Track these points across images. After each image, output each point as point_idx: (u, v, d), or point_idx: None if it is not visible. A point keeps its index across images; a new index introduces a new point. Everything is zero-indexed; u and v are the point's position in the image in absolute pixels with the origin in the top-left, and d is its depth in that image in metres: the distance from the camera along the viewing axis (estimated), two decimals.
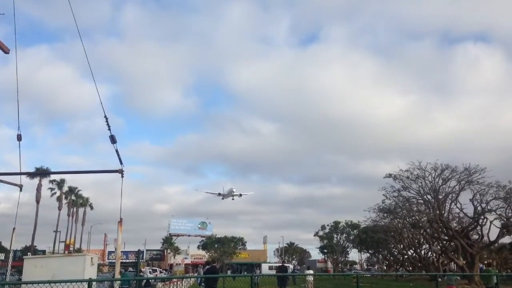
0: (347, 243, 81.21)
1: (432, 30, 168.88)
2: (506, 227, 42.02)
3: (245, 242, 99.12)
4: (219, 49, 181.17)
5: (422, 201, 45.75)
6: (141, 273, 31.17)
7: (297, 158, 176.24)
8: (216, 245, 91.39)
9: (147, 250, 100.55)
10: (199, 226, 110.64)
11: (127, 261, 75.68)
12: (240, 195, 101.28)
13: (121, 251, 15.34)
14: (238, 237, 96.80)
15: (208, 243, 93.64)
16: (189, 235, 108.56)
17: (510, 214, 41.66)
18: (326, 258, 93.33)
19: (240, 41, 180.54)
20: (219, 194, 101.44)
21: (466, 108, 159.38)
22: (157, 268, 76.61)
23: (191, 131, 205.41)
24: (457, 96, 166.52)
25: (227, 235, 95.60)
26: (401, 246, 57.92)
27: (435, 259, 50.81)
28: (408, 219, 51.63)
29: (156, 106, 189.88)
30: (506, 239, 57.87)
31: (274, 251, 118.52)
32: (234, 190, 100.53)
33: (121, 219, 13.78)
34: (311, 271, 38.70)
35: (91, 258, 15.18)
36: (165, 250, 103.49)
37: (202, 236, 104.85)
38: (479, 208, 42.09)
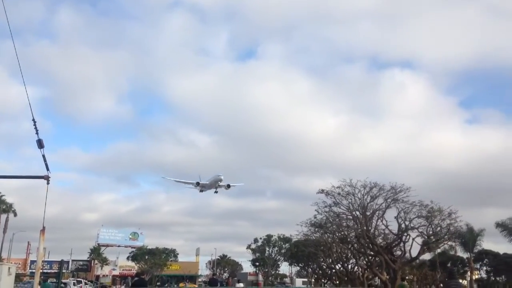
0: (279, 257, 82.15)
1: (362, 54, 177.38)
2: (426, 244, 44.54)
3: (177, 254, 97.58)
4: (157, 58, 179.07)
5: (351, 217, 47.41)
6: (63, 285, 29.81)
7: (232, 171, 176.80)
8: (146, 257, 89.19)
9: (73, 260, 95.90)
10: (130, 236, 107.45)
11: (50, 271, 72.03)
12: (228, 186, 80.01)
13: (45, 261, 14.65)
14: (170, 248, 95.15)
15: (139, 254, 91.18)
16: (119, 246, 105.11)
17: (430, 232, 44.24)
18: (257, 271, 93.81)
19: (178, 51, 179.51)
20: (198, 183, 79.76)
21: (392, 131, 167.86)
22: (82, 280, 73.29)
23: (124, 139, 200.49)
24: (384, 118, 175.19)
25: (158, 246, 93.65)
26: (330, 260, 59.54)
27: (361, 274, 52.69)
28: (337, 234, 53.19)
29: (88, 112, 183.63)
30: (426, 256, 61.46)
31: (206, 263, 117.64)
32: (221, 177, 77.53)
33: (43, 227, 13.22)
34: (241, 285, 38.70)
35: (9, 267, 14.39)
36: (92, 261, 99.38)
37: (132, 247, 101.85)
38: (403, 225, 44.34)
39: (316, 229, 54.33)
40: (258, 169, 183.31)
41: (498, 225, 67.20)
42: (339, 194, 46.09)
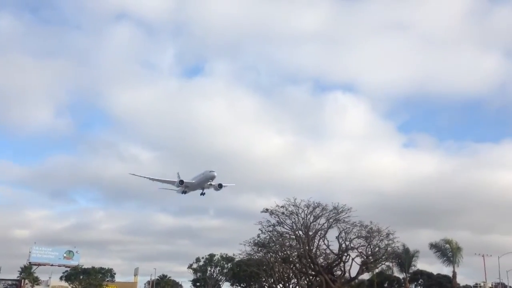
0: (221, 277, 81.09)
1: (308, 76, 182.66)
2: (365, 264, 45.73)
3: (114, 273, 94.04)
4: (99, 70, 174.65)
5: (294, 237, 47.92)
6: None
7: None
8: (81, 276, 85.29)
9: (1, 279, 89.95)
10: (65, 255, 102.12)
11: None
12: (220, 186, 69.70)
13: None
14: (107, 268, 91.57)
15: (73, 274, 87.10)
16: (52, 265, 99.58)
17: (369, 252, 45.53)
18: None
19: (122, 64, 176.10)
20: (181, 182, 68.68)
21: (335, 152, 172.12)
22: None
23: (61, 152, 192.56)
24: (328, 139, 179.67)
25: (94, 266, 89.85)
26: (272, 280, 59.48)
27: None
28: (280, 254, 53.44)
29: (23, 123, 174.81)
30: (365, 276, 62.97)
31: (145, 284, 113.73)
32: (214, 174, 66.73)
33: None
34: None
35: None
36: (22, 280, 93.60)
37: (67, 266, 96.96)
38: (343, 245, 45.40)
39: (259, 249, 54.35)
40: None
41: (431, 246, 70.43)
42: (283, 213, 46.74)
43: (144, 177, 70.02)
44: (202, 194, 71.82)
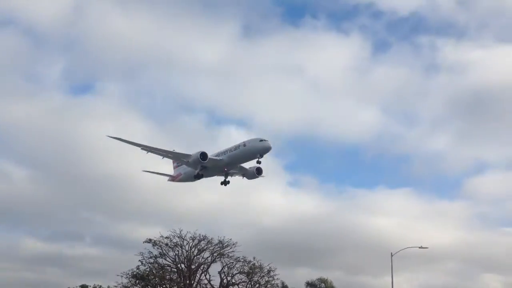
0: None
1: (203, 107, 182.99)
2: None
3: None
4: None
5: (175, 270, 46.68)
6: None
7: (49, 211, 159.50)
8: None
9: None
10: None
11: None
12: (259, 171, 53.61)
13: None
14: None
15: None
16: None
17: None
18: None
19: (3, 74, 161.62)
20: (203, 157, 48.68)
21: (228, 185, 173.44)
22: None
23: None
24: None
25: None
26: None
27: None
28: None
29: None
30: None
31: None
32: (269, 144, 47.66)
33: None
34: None
35: None
36: None
37: None
38: (225, 280, 45.28)
39: (137, 281, 51.77)
40: (79, 211, 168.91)
41: (308, 284, 73.11)
42: (167, 244, 45.55)
43: (135, 143, 53.10)
44: (225, 183, 55.14)
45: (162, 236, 45.57)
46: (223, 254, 45.22)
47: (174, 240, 45.45)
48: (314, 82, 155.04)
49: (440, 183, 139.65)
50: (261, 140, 47.29)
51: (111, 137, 51.97)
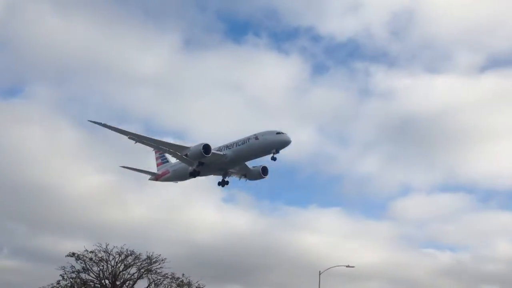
0: None
1: (139, 118, 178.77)
2: None
3: None
4: None
5: (99, 286, 44.71)
6: None
7: None
8: None
9: None
10: None
11: None
12: (264, 171, 48.87)
13: None
14: None
15: None
16: None
17: None
18: None
19: None
20: (205, 150, 43.45)
21: (157, 198, 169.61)
22: None
23: None
24: (149, 184, 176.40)
25: None
26: None
27: None
28: None
29: None
30: None
31: None
32: (288, 138, 42.19)
33: None
34: None
35: None
36: None
37: None
38: None
39: None
40: None
41: None
42: (91, 259, 43.61)
43: (122, 131, 46.58)
44: (223, 183, 49.48)
45: (86, 250, 43.55)
46: (150, 270, 43.88)
47: (100, 255, 43.53)
48: (254, 99, 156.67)
49: (368, 204, 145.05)
50: (278, 133, 41.57)
51: (93, 122, 45.54)
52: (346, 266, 51.67)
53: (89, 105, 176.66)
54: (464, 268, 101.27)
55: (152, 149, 49.52)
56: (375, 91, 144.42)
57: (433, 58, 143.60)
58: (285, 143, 41.36)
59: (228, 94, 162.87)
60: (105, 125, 45.09)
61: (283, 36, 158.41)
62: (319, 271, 52.11)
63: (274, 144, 41.29)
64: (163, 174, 54.00)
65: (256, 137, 42.51)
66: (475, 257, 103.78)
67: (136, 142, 46.26)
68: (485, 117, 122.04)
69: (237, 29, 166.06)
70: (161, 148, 47.65)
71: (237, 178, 50.01)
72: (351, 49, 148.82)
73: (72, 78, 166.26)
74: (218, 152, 44.34)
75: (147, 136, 46.38)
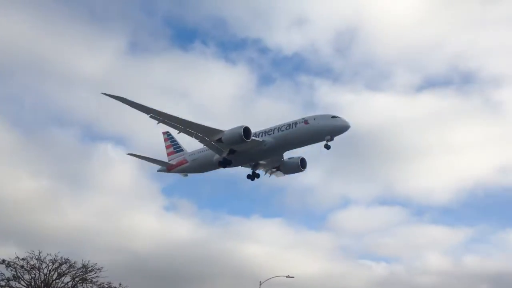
0: None
1: (78, 121, 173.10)
2: None
3: None
4: None
5: None
6: None
7: None
8: None
9: None
10: None
11: None
12: (303, 163, 44.58)
13: None
14: None
15: None
16: None
17: None
18: None
19: None
20: (246, 134, 38.20)
21: (95, 205, 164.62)
22: None
23: None
24: (89, 191, 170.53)
25: None
26: None
27: None
28: None
29: None
30: None
31: None
32: (347, 123, 37.95)
33: None
34: None
35: None
36: None
37: None
38: None
39: None
40: None
41: None
42: (22, 267, 41.87)
43: (142, 106, 39.58)
44: (254, 176, 43.80)
45: (17, 258, 41.61)
46: (86, 279, 42.43)
47: (32, 262, 41.67)
48: (200, 107, 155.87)
49: (309, 215, 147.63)
50: (333, 117, 36.64)
51: (107, 94, 39.34)
52: (286, 277, 52.58)
53: (26, 106, 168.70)
54: (398, 279, 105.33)
55: (177, 131, 41.58)
56: (319, 104, 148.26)
57: (373, 76, 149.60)
58: (343, 128, 36.70)
59: (173, 100, 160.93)
60: (121, 98, 38.92)
61: (230, 46, 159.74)
62: (260, 282, 52.64)
63: (330, 129, 36.48)
64: (179, 164, 47.81)
65: (305, 120, 37.87)
66: (409, 268, 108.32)
67: (158, 123, 40.27)
68: (421, 135, 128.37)
69: (185, 36, 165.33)
70: (188, 131, 40.62)
71: (264, 172, 44.55)
72: (297, 62, 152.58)
73: (6, 77, 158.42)
74: (256, 139, 38.93)
75: (171, 114, 39.88)
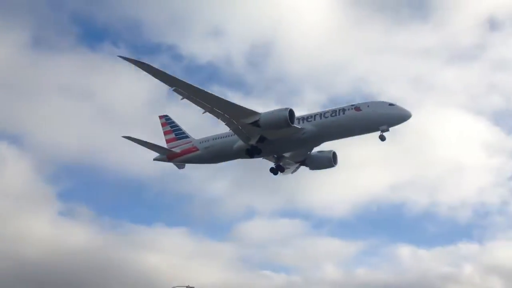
0: None
1: None
2: None
3: None
4: None
5: None
6: None
7: None
8: None
9: None
10: None
11: None
12: (335, 157, 40.56)
13: None
14: None
15: None
16: None
17: None
18: None
19: None
20: (291, 116, 33.48)
21: None
22: None
23: None
24: None
25: None
26: None
27: None
28: None
29: None
30: None
31: None
32: (408, 112, 33.48)
33: None
34: None
35: None
36: None
37: None
38: None
39: None
40: None
41: None
42: None
43: (167, 74, 33.50)
44: (278, 170, 39.81)
45: None
46: None
47: None
48: (105, 109, 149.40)
49: (214, 225, 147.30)
50: (390, 104, 32.90)
51: (123, 57, 33.05)
52: (186, 287, 51.93)
53: None
54: None
55: (203, 110, 36.71)
56: None
57: (284, 92, 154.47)
58: (405, 117, 32.82)
59: (77, 101, 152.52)
60: (141, 63, 32.93)
61: (143, 49, 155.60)
62: None
63: (387, 118, 32.55)
64: (185, 152, 41.30)
65: (355, 107, 33.66)
66: (306, 279, 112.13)
67: (182, 98, 35.35)
68: None
69: (93, 36, 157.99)
70: (215, 111, 36.12)
71: (287, 166, 39.45)
72: (210, 72, 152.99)
73: None
74: (295, 125, 34.21)
75: (203, 89, 34.80)
